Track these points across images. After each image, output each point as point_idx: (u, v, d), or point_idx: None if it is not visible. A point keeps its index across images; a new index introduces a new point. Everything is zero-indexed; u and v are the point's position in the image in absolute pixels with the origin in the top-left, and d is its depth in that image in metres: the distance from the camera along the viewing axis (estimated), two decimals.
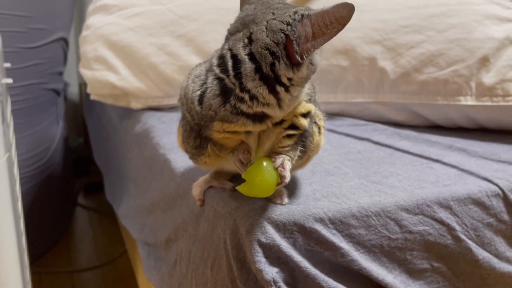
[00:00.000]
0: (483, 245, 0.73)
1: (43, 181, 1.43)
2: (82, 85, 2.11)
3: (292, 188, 0.70)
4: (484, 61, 0.93)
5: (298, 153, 0.60)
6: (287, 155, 0.59)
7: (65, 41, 1.53)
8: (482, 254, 0.72)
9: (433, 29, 0.96)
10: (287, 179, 0.57)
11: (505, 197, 0.74)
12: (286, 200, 0.66)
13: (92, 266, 1.47)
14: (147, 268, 0.91)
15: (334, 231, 0.65)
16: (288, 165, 0.58)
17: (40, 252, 1.49)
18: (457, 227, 0.71)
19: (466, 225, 0.72)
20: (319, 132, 0.65)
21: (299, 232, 0.63)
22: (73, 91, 2.14)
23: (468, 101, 0.94)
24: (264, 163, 0.57)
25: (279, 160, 0.58)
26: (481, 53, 0.93)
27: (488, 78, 0.93)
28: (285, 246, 0.62)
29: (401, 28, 0.98)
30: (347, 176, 0.75)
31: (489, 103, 0.93)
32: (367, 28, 1.00)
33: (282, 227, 0.63)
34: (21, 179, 1.24)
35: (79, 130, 2.19)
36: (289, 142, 0.59)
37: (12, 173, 0.90)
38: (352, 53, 0.99)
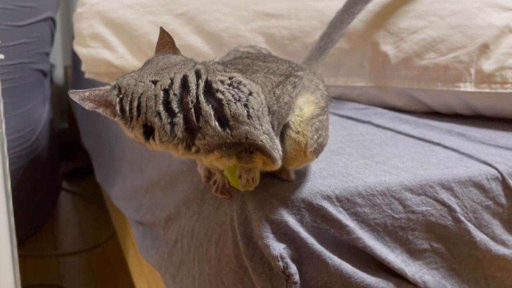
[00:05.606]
0: (480, 227, 0.74)
1: (28, 163, 1.40)
2: (68, 68, 2.07)
3: None
4: (484, 48, 0.94)
5: (256, 169, 0.62)
6: (243, 167, 0.61)
7: (53, 21, 1.50)
8: (479, 236, 0.73)
9: (435, 14, 0.97)
10: (241, 188, 0.63)
11: (503, 181, 0.75)
12: (292, 176, 0.67)
13: (78, 250, 1.45)
14: (143, 248, 0.90)
15: (341, 209, 0.65)
16: (244, 175, 0.62)
17: (25, 235, 1.46)
18: (458, 209, 0.72)
19: (466, 207, 0.73)
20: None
21: (307, 209, 0.63)
22: (58, 74, 2.10)
23: (467, 87, 0.95)
24: (230, 170, 0.65)
25: (238, 171, 0.62)
26: (481, 40, 0.95)
27: (488, 65, 0.94)
28: (293, 222, 0.62)
29: (404, 12, 0.98)
30: (352, 156, 0.75)
31: (487, 90, 0.94)
32: (370, 12, 1.00)
33: (290, 204, 0.63)
34: None
35: (63, 115, 2.15)
36: (239, 163, 0.60)
37: (4, 150, 0.87)
38: (354, 37, 1.00)
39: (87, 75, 1.10)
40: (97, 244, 1.47)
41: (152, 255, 0.85)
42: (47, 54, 1.53)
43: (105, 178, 1.29)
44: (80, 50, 1.07)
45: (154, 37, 1.02)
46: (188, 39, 1.02)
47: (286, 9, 1.01)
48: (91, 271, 1.36)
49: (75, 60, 1.56)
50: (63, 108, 2.14)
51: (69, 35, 2.03)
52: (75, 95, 0.55)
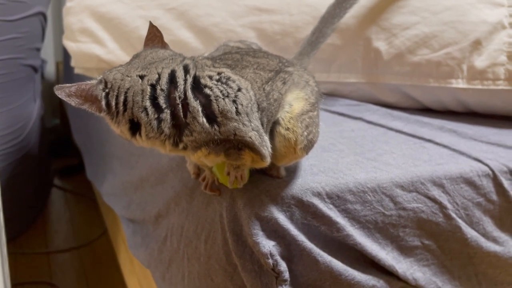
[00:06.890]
0: (471, 224, 0.74)
1: (19, 160, 1.39)
2: (59, 63, 2.05)
3: None
4: (477, 45, 0.94)
5: (244, 166, 0.61)
6: (232, 164, 0.61)
7: (43, 16, 1.48)
8: (470, 233, 0.73)
9: (428, 10, 0.97)
10: (229, 186, 0.62)
11: (494, 178, 0.75)
12: (282, 173, 0.66)
13: (69, 247, 1.43)
14: (133, 246, 0.89)
15: (331, 206, 0.65)
16: (232, 172, 0.61)
17: (16, 232, 1.45)
18: (449, 206, 0.72)
19: (457, 203, 0.73)
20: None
21: (297, 206, 0.63)
22: (49, 70, 2.08)
23: (460, 84, 0.95)
24: (219, 167, 0.64)
25: (226, 168, 0.61)
26: (474, 36, 0.94)
27: (480, 61, 0.94)
28: (282, 219, 0.61)
29: (397, 8, 0.98)
30: (343, 152, 0.75)
31: (479, 87, 0.94)
32: (362, 7, 1.00)
33: (280, 201, 0.62)
34: None
35: (55, 111, 2.13)
36: (227, 160, 0.60)
37: None
38: (346, 33, 0.99)
39: (76, 71, 1.08)
40: (88, 241, 1.46)
41: (142, 253, 0.84)
42: (38, 50, 1.51)
43: (96, 174, 1.27)
44: (69, 45, 1.06)
45: (145, 32, 0.98)
46: (179, 34, 1.01)
47: (278, 4, 1.00)
48: (82, 269, 1.35)
49: (67, 56, 1.54)
50: (55, 104, 2.12)
51: (61, 31, 2.01)
52: (61, 92, 0.54)
